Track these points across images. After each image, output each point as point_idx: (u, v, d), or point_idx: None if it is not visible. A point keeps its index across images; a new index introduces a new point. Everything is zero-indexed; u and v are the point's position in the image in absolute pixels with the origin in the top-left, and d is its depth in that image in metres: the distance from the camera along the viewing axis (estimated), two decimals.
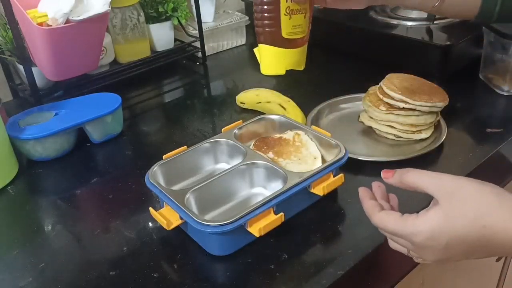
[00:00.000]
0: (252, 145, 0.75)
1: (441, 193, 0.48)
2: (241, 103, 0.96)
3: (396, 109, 0.80)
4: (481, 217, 0.45)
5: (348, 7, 0.71)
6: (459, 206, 0.47)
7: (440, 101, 0.80)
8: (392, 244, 0.54)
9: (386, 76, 0.84)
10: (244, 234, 0.60)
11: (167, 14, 1.12)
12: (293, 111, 0.87)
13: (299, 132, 0.75)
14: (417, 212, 0.50)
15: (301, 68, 0.78)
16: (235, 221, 0.58)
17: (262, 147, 0.73)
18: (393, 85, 0.80)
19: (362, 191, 0.56)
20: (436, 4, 0.68)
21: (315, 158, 0.71)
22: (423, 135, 0.81)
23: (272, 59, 0.78)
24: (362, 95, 0.86)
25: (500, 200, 0.46)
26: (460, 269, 0.96)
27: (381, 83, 0.83)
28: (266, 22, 0.75)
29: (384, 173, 0.55)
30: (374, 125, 0.83)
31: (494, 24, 0.91)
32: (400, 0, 0.73)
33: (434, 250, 0.48)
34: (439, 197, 0.48)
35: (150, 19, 1.12)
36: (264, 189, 0.69)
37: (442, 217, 0.47)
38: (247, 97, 0.95)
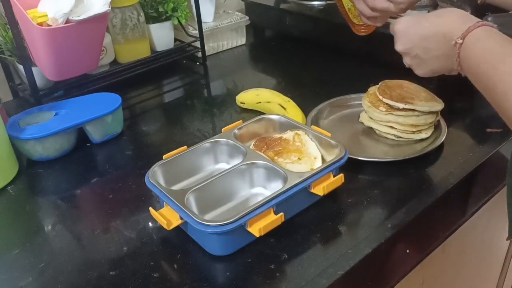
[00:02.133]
0: (252, 145, 0.75)
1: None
2: (241, 103, 0.96)
3: (396, 109, 0.80)
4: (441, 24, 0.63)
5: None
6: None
7: (439, 103, 0.80)
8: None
9: (380, 84, 0.84)
10: (244, 234, 0.60)
11: (167, 14, 1.12)
12: (293, 111, 0.87)
13: (299, 132, 0.75)
14: None
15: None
16: (235, 221, 0.58)
17: (262, 147, 0.73)
18: (387, 95, 0.80)
19: None
20: None
21: (315, 158, 0.71)
22: (423, 135, 0.81)
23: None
24: (362, 95, 0.86)
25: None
26: (460, 269, 0.96)
27: (376, 92, 0.83)
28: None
29: None
30: (374, 125, 0.83)
31: (495, 23, 0.91)
32: None
33: (402, 41, 0.67)
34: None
35: (150, 19, 1.12)
36: (264, 189, 0.69)
37: (416, 15, 0.67)
38: (247, 97, 0.95)
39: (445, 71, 0.66)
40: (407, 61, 0.69)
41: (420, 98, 0.80)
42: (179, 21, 1.14)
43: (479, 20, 0.59)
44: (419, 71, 0.68)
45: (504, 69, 0.54)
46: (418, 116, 0.79)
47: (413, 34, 0.66)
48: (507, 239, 0.72)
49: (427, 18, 0.65)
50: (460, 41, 0.59)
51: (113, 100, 0.89)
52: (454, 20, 0.61)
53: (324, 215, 0.67)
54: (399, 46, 0.69)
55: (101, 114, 0.85)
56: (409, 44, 0.67)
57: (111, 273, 0.60)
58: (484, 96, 0.59)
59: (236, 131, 0.75)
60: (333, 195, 0.68)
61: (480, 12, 0.99)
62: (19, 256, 0.64)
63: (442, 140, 0.79)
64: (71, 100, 0.91)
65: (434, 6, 1.03)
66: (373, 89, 0.86)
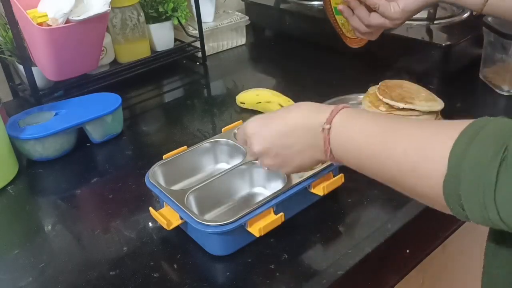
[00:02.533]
0: None
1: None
2: (241, 103, 0.96)
3: (396, 109, 0.79)
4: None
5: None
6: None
7: (439, 103, 0.80)
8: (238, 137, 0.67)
9: (380, 84, 0.84)
10: (244, 234, 0.60)
11: (167, 14, 1.12)
12: None
13: None
14: None
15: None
16: (235, 221, 0.58)
17: None
18: (387, 95, 0.80)
19: None
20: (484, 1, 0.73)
21: None
22: None
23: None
24: (362, 95, 0.86)
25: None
26: (460, 269, 0.96)
27: (376, 92, 0.83)
28: None
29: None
30: None
31: (495, 23, 0.91)
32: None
33: (255, 144, 0.60)
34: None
35: (150, 19, 1.12)
36: (264, 189, 0.69)
37: (263, 116, 0.61)
38: (247, 97, 0.95)
39: (312, 164, 0.59)
40: (268, 162, 0.60)
41: (420, 98, 0.80)
42: (179, 21, 1.14)
43: (334, 106, 0.54)
44: (284, 170, 0.61)
45: (390, 144, 0.47)
46: (418, 116, 0.79)
47: (268, 133, 0.59)
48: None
49: (277, 116, 0.59)
50: (328, 126, 0.52)
51: (113, 100, 0.89)
52: (310, 110, 0.56)
53: (324, 215, 0.67)
54: (255, 148, 0.60)
55: (101, 114, 0.85)
56: (266, 143, 0.58)
57: (111, 273, 0.60)
58: (372, 175, 0.51)
59: (236, 131, 0.75)
60: (333, 195, 0.68)
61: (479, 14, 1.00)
62: (19, 256, 0.64)
63: None
64: (71, 100, 0.91)
65: (434, 6, 1.03)
66: (373, 89, 0.85)
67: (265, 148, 0.59)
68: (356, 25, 0.86)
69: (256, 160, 0.64)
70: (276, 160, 0.59)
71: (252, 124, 0.61)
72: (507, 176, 0.36)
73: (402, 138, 0.46)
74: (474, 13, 0.80)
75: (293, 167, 0.59)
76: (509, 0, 0.74)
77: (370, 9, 0.84)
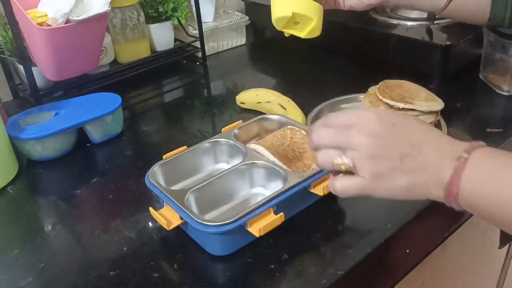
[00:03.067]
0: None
1: None
2: (241, 103, 0.96)
3: (396, 109, 0.79)
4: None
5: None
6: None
7: (439, 103, 0.80)
8: (321, 157, 0.50)
9: (380, 84, 0.84)
10: (244, 234, 0.60)
11: (167, 14, 1.12)
12: (293, 111, 0.87)
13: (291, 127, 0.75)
14: None
15: (317, 28, 0.74)
16: (235, 221, 0.58)
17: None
18: (387, 95, 0.80)
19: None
20: (444, 5, 0.68)
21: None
22: None
23: None
24: (362, 95, 0.86)
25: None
26: (460, 269, 0.96)
27: (376, 92, 0.83)
28: None
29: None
30: None
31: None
32: (410, 2, 0.71)
33: (379, 128, 0.46)
34: None
35: (150, 19, 1.12)
36: (264, 189, 0.69)
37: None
38: (247, 97, 0.95)
39: (415, 195, 0.47)
40: (365, 162, 0.47)
41: (420, 98, 0.80)
42: (179, 21, 1.14)
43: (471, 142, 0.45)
44: (378, 189, 0.47)
45: None
46: (418, 116, 0.79)
47: (400, 131, 0.47)
48: (498, 248, 0.68)
49: (417, 121, 0.48)
50: (465, 155, 0.43)
51: (113, 100, 0.89)
52: (446, 138, 0.47)
53: (324, 215, 0.67)
54: (363, 131, 0.47)
55: (101, 114, 0.85)
56: (389, 139, 0.46)
57: (111, 273, 0.60)
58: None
59: (236, 131, 0.75)
60: (333, 195, 0.68)
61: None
62: (19, 256, 0.64)
63: None
64: (71, 100, 0.91)
65: (432, 19, 1.03)
66: (373, 89, 0.85)
67: (378, 137, 0.45)
68: None
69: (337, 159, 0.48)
70: (380, 163, 0.46)
71: (375, 111, 0.48)
72: None
73: None
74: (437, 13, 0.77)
75: (393, 186, 0.46)
76: (469, 6, 0.72)
77: None
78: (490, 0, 0.69)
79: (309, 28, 0.81)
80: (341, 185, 0.50)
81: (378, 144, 0.46)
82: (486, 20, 0.70)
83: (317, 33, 0.83)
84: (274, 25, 0.76)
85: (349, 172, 0.49)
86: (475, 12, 0.71)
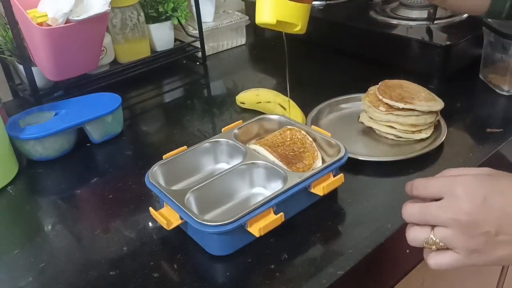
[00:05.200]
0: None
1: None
2: (241, 103, 0.96)
3: (396, 109, 0.79)
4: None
5: None
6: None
7: (439, 103, 0.80)
8: (412, 235, 0.49)
9: (380, 84, 0.84)
10: (244, 234, 0.60)
11: (167, 14, 1.12)
12: (293, 111, 0.87)
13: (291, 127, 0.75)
14: None
15: (301, 30, 0.72)
16: (235, 221, 0.58)
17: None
18: (387, 95, 0.81)
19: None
20: None
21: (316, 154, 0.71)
22: (423, 135, 0.81)
23: (266, 2, 0.68)
24: (362, 95, 0.86)
25: None
26: (460, 269, 0.96)
27: (376, 92, 0.83)
28: None
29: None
30: (374, 125, 0.83)
31: (495, 23, 0.91)
32: None
33: (470, 204, 0.44)
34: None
35: (150, 19, 1.12)
36: (264, 189, 0.69)
37: (479, 177, 0.46)
38: (247, 97, 0.95)
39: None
40: (459, 245, 0.46)
41: (420, 98, 0.80)
42: (179, 21, 1.14)
43: None
44: (479, 259, 0.46)
45: None
46: (418, 116, 0.79)
47: (492, 204, 0.44)
48: None
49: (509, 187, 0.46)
50: None
51: (113, 100, 0.89)
52: None
53: (324, 215, 0.67)
54: (464, 206, 0.45)
55: (101, 114, 0.85)
56: (481, 216, 0.44)
57: (111, 273, 0.60)
58: None
59: (236, 131, 0.75)
60: (333, 195, 0.68)
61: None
62: (19, 256, 0.64)
63: (442, 140, 0.79)
64: (71, 100, 0.91)
65: (434, 6, 1.03)
66: (373, 89, 0.86)
67: (469, 215, 0.44)
68: None
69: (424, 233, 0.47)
70: (474, 240, 0.44)
71: (464, 185, 0.46)
72: None
73: None
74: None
75: (493, 258, 0.45)
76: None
77: None
78: None
79: (293, 30, 0.80)
80: (434, 262, 0.48)
81: (469, 222, 0.44)
82: (485, 11, 0.70)
83: (301, 32, 0.82)
84: (257, 23, 0.75)
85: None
86: (474, 2, 0.71)
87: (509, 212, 0.44)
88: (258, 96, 0.93)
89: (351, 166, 0.71)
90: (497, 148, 0.79)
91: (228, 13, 1.28)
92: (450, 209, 0.45)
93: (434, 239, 0.47)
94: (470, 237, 0.44)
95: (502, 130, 0.82)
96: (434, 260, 0.48)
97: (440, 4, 0.73)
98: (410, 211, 0.50)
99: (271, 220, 0.59)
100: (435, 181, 0.48)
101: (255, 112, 0.93)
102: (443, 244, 0.47)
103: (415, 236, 0.49)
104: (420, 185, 0.50)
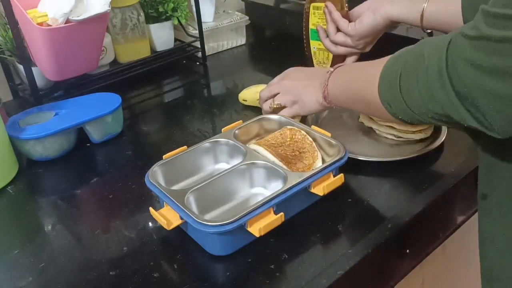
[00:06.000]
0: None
1: None
2: (243, 100, 0.96)
3: None
4: None
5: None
6: None
7: None
8: (264, 105, 0.84)
9: None
10: (244, 234, 0.60)
11: (167, 14, 1.12)
12: None
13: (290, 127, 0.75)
14: None
15: None
16: (235, 221, 0.58)
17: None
18: None
19: None
20: (420, 15, 0.81)
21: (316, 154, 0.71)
22: (423, 135, 0.81)
23: None
24: None
25: None
26: (460, 269, 0.96)
27: None
28: None
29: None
30: (374, 125, 0.83)
31: None
32: (394, 18, 0.86)
33: (286, 75, 0.84)
34: None
35: (150, 19, 1.12)
36: (264, 189, 0.69)
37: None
38: (249, 94, 0.95)
39: (313, 104, 0.76)
40: (280, 97, 0.81)
41: None
42: (179, 21, 1.14)
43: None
44: (292, 108, 0.80)
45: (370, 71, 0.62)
46: None
47: (288, 71, 0.84)
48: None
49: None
50: (332, 69, 0.73)
51: (113, 100, 0.89)
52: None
53: (324, 215, 0.67)
54: (274, 80, 0.85)
55: (101, 114, 0.85)
56: (283, 75, 0.83)
57: (111, 273, 0.60)
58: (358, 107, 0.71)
59: (236, 131, 0.75)
60: (333, 195, 0.68)
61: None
62: (19, 256, 0.64)
63: (442, 140, 0.79)
64: (71, 100, 0.91)
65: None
66: None
67: (281, 78, 0.83)
68: (327, 44, 0.94)
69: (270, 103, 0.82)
70: (286, 95, 0.79)
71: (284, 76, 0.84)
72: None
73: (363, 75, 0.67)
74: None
75: (300, 101, 0.78)
76: (446, 14, 0.79)
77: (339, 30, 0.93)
78: (461, 10, 0.75)
79: None
80: (282, 113, 0.81)
81: (285, 87, 0.81)
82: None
83: None
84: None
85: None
86: (448, 20, 0.78)
87: (296, 68, 0.84)
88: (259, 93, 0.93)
89: (351, 166, 0.71)
90: None
91: (228, 13, 1.28)
92: (276, 86, 0.83)
93: (275, 102, 0.81)
94: (284, 97, 0.80)
95: None
96: (282, 112, 0.81)
97: (424, 26, 0.84)
98: (262, 94, 0.85)
99: (271, 220, 0.59)
100: (271, 87, 0.84)
101: (255, 112, 0.93)
102: (279, 104, 0.81)
103: (265, 105, 0.84)
104: (264, 95, 0.84)
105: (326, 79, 0.72)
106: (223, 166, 0.74)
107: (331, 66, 0.99)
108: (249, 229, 0.59)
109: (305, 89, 0.77)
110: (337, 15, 0.91)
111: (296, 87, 0.78)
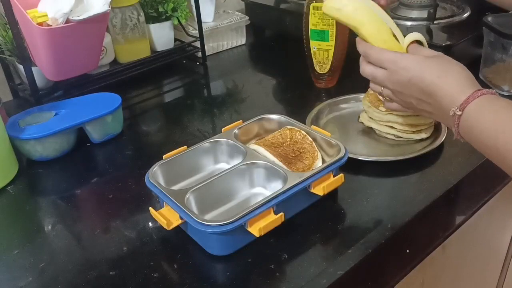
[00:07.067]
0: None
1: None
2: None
3: None
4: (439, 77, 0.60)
5: None
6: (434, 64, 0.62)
7: None
8: (365, 70, 0.70)
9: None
10: (244, 234, 0.60)
11: (167, 14, 1.12)
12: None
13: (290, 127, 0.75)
14: None
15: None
16: (235, 221, 0.58)
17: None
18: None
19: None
20: None
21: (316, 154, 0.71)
22: (423, 135, 0.81)
23: None
24: (362, 95, 0.86)
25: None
26: (460, 269, 0.96)
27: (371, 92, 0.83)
28: None
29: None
30: (374, 125, 0.83)
31: (495, 23, 0.91)
32: None
33: (400, 78, 0.64)
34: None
35: (150, 19, 1.12)
36: (264, 189, 0.69)
37: (419, 60, 0.63)
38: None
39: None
40: (394, 98, 0.68)
41: None
42: (179, 21, 1.14)
43: (478, 87, 0.57)
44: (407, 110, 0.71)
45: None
46: (418, 116, 0.79)
47: (414, 84, 0.62)
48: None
49: (430, 72, 0.61)
50: (459, 112, 0.56)
51: (113, 100, 0.89)
52: (453, 86, 0.58)
53: (324, 215, 0.67)
54: (395, 77, 0.65)
55: (101, 114, 0.85)
56: (407, 90, 0.64)
57: (111, 273, 0.60)
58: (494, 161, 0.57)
59: (236, 131, 0.75)
60: (333, 195, 0.68)
61: (480, 11, 1.00)
62: (19, 256, 0.64)
63: (442, 140, 0.79)
64: (71, 100, 0.91)
65: (434, 6, 1.03)
66: None
67: (400, 87, 0.65)
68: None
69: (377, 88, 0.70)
70: (404, 102, 0.67)
71: (410, 58, 0.63)
72: None
73: None
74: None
75: (419, 112, 0.67)
76: None
77: None
78: None
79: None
80: (387, 106, 0.74)
81: (398, 92, 0.66)
82: None
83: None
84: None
85: None
86: None
87: (425, 92, 0.61)
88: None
89: (351, 166, 0.71)
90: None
91: (228, 13, 1.28)
92: (390, 80, 0.66)
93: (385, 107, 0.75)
94: (401, 101, 0.67)
95: None
96: (387, 105, 0.73)
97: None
98: (366, 71, 0.71)
99: (271, 220, 0.59)
100: (387, 53, 0.66)
101: (256, 112, 0.93)
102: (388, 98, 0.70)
103: (367, 71, 0.70)
104: (372, 54, 0.68)
105: (454, 123, 0.58)
106: (223, 166, 0.74)
107: (331, 65, 0.98)
108: (249, 229, 0.59)
109: (428, 115, 0.66)
110: None
111: (418, 112, 0.68)
